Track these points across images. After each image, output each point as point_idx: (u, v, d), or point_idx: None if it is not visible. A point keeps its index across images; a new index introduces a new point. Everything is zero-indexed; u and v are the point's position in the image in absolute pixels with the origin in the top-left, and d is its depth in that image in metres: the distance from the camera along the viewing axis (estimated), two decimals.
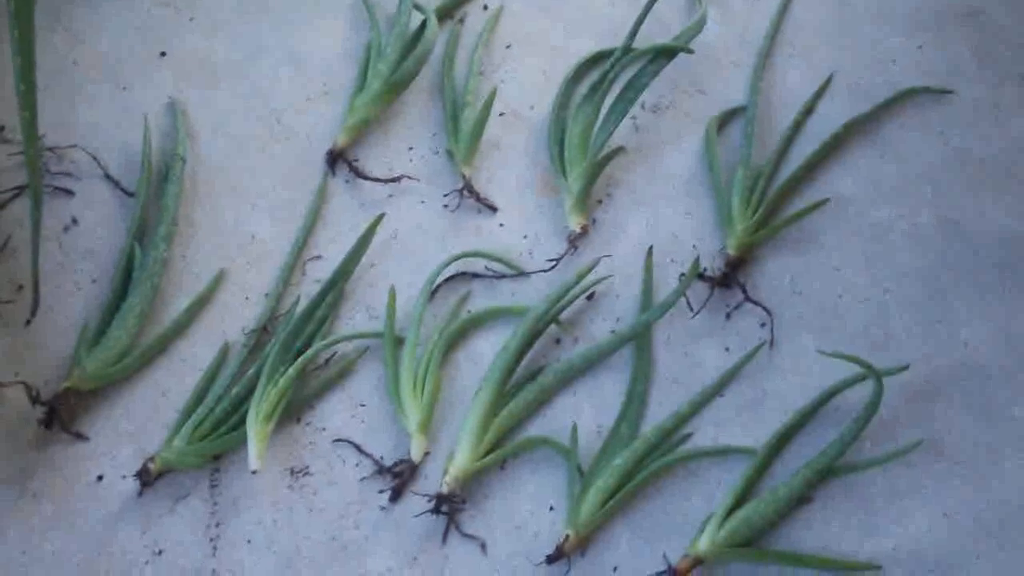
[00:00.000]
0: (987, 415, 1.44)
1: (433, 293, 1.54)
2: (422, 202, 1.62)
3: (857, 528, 1.38)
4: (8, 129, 1.62)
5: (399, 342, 1.49)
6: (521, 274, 1.56)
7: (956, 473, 1.41)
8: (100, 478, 1.44)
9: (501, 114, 1.68)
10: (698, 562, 1.34)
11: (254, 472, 1.40)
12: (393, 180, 1.62)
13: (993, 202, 1.56)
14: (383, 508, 1.42)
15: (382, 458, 1.45)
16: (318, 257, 1.58)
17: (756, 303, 1.50)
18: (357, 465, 1.45)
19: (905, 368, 1.42)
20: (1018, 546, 1.36)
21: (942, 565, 1.36)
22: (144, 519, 1.42)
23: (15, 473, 1.43)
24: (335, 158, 1.63)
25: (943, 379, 1.46)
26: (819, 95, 1.66)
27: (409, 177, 1.63)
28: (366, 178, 1.62)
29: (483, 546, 1.40)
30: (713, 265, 1.53)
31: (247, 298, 1.55)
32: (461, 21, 1.75)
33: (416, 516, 1.41)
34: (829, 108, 1.66)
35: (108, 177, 1.62)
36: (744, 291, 1.51)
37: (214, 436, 1.43)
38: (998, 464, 1.41)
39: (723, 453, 1.43)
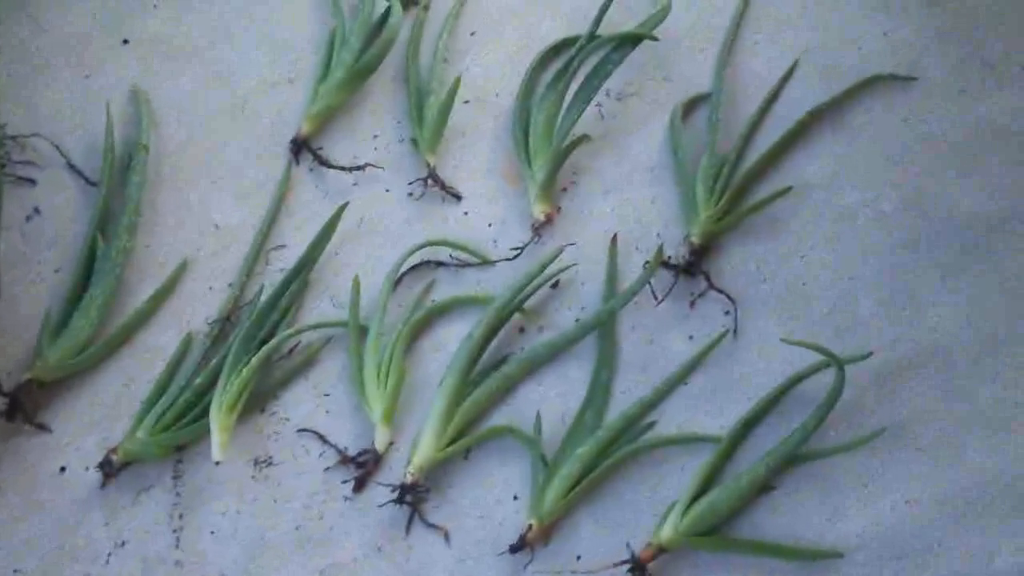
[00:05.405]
0: (952, 399, 1.44)
1: (397, 282, 1.53)
2: (387, 190, 1.61)
3: (821, 515, 1.38)
4: None
5: (363, 331, 1.48)
6: (486, 263, 1.55)
7: (920, 458, 1.41)
8: (63, 469, 1.44)
9: (466, 101, 1.67)
10: (661, 551, 1.34)
11: (217, 463, 1.40)
12: (357, 168, 1.61)
13: (958, 186, 1.56)
14: (347, 498, 1.42)
15: (346, 448, 1.45)
16: (282, 246, 1.57)
17: (720, 291, 1.50)
18: (321, 455, 1.45)
19: (868, 356, 1.41)
20: (981, 531, 1.37)
21: (906, 550, 1.36)
22: (108, 510, 1.42)
23: None
24: (299, 146, 1.63)
25: (909, 363, 1.46)
26: (785, 81, 1.66)
27: (373, 165, 1.62)
28: (330, 166, 1.62)
29: (447, 535, 1.40)
30: (678, 253, 1.53)
31: (211, 287, 1.55)
32: (426, 8, 1.74)
33: (380, 506, 1.41)
34: (795, 94, 1.65)
35: (71, 166, 1.61)
36: (708, 279, 1.50)
37: (177, 427, 1.43)
38: (962, 449, 1.41)
39: (687, 441, 1.43)
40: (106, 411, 1.47)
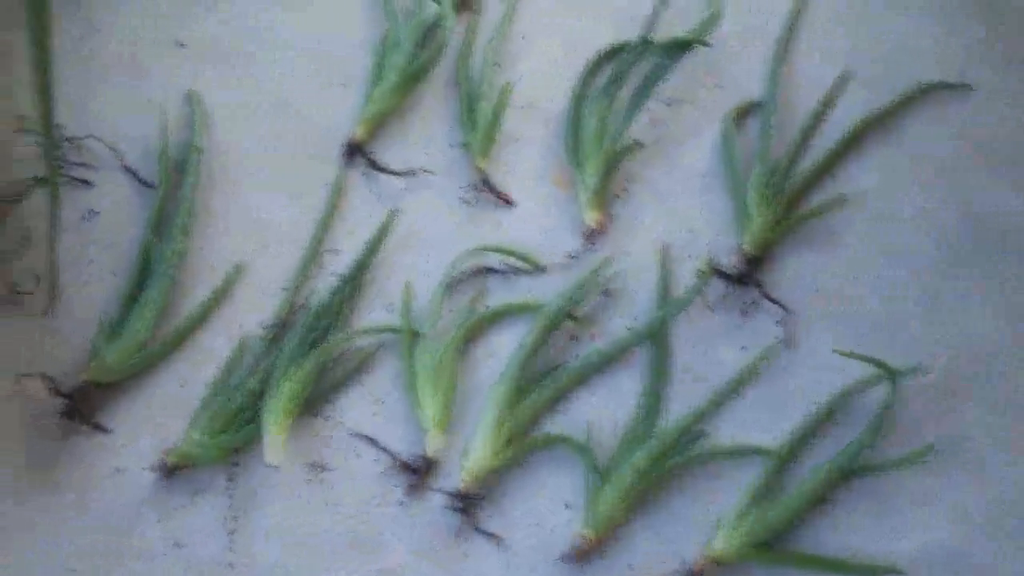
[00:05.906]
0: (1006, 412, 1.44)
1: (450, 288, 1.54)
2: (439, 196, 1.62)
3: (877, 530, 1.38)
4: (28, 120, 1.61)
5: (416, 337, 1.49)
6: (537, 269, 1.56)
7: (975, 472, 1.41)
8: (120, 470, 1.45)
9: (519, 107, 1.67)
10: (715, 563, 1.34)
11: (272, 466, 1.41)
12: (410, 173, 1.62)
13: (1013, 194, 1.56)
14: (400, 503, 1.43)
15: (400, 453, 1.45)
16: (335, 250, 1.58)
17: (774, 300, 1.50)
18: (375, 460, 1.45)
19: (921, 368, 1.41)
20: None
21: (963, 567, 1.36)
22: (163, 511, 1.43)
23: (38, 463, 1.44)
24: (352, 150, 1.63)
25: (963, 376, 1.46)
26: (837, 88, 1.65)
27: (426, 170, 1.62)
28: (383, 171, 1.62)
29: (500, 543, 1.41)
30: (730, 261, 1.53)
31: (264, 291, 1.56)
32: (478, 12, 1.74)
33: (434, 513, 1.41)
34: (847, 101, 1.65)
35: (126, 168, 1.62)
36: (761, 288, 1.50)
37: (232, 430, 1.44)
38: (1017, 463, 1.41)
39: (741, 453, 1.43)
40: (162, 413, 1.48)
